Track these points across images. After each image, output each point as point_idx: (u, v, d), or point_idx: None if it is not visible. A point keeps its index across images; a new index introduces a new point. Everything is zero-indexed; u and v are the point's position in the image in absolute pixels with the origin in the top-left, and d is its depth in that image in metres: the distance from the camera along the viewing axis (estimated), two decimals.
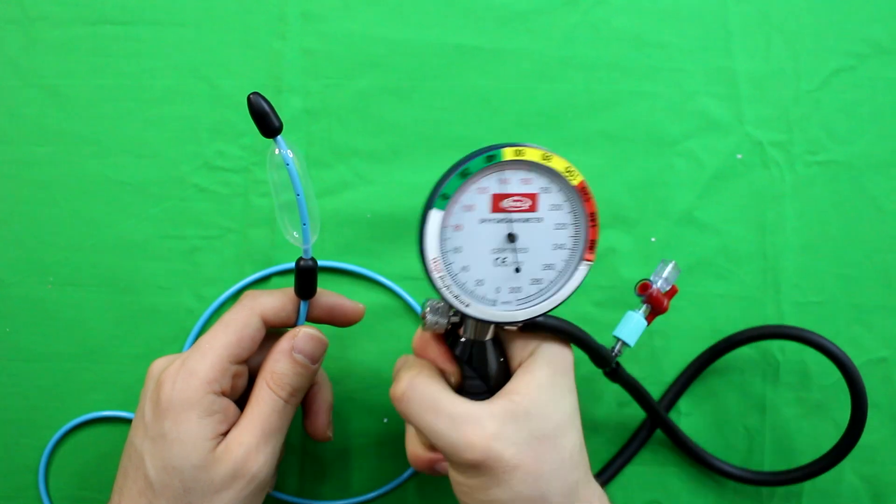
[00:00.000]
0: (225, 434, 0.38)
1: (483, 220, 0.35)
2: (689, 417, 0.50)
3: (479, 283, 0.36)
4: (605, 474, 0.48)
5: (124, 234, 0.49)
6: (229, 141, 0.50)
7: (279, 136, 0.35)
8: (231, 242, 0.49)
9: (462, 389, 0.38)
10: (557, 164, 0.35)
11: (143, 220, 0.50)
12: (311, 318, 0.42)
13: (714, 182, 0.50)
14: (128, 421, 0.49)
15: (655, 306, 0.42)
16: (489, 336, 0.38)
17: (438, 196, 0.34)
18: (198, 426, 0.36)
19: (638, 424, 0.50)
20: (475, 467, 0.34)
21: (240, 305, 0.40)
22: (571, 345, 0.39)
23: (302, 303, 0.41)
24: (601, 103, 0.50)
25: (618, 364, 0.43)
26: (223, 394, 0.38)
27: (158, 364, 0.40)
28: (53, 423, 0.49)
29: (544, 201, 0.35)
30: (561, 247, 0.36)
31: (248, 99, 0.35)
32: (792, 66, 0.51)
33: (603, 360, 0.41)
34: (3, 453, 0.49)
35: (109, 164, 0.50)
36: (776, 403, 0.49)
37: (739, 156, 0.50)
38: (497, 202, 0.35)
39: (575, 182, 0.35)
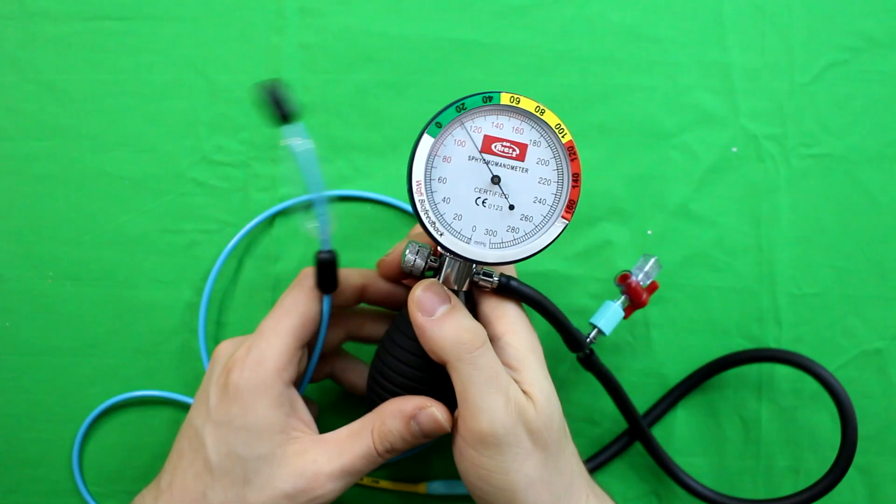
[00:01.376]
0: (293, 428, 0.37)
1: (471, 158, 0.36)
2: (683, 409, 0.50)
3: (458, 217, 0.37)
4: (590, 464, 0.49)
5: (123, 228, 0.50)
6: (228, 135, 0.50)
7: (292, 125, 0.35)
8: (230, 237, 0.49)
9: None
10: (550, 118, 0.37)
11: (142, 214, 0.50)
12: (369, 303, 0.42)
13: (709, 175, 0.50)
14: (157, 401, 0.49)
15: (634, 298, 0.42)
16: (464, 288, 0.39)
17: (433, 124, 0.36)
18: (266, 416, 0.36)
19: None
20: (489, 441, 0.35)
21: (299, 287, 0.39)
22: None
23: (325, 298, 0.39)
24: (597, 97, 0.51)
25: (591, 351, 0.44)
26: (291, 382, 0.37)
27: (225, 347, 0.39)
28: (53, 417, 0.49)
29: (532, 153, 0.37)
30: (542, 201, 0.37)
31: (265, 87, 0.35)
32: (786, 59, 0.51)
33: (575, 343, 0.42)
34: (3, 447, 0.49)
35: (108, 159, 0.50)
36: (772, 396, 0.50)
37: (734, 149, 0.51)
38: (488, 144, 0.36)
39: (564, 140, 0.37)
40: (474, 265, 0.39)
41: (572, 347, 0.43)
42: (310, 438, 0.37)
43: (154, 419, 0.49)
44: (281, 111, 0.35)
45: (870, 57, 0.51)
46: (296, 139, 0.35)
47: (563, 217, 0.37)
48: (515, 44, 0.51)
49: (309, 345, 0.40)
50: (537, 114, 0.36)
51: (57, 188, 0.50)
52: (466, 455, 0.36)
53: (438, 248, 0.38)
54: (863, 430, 0.48)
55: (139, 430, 0.49)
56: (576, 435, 0.41)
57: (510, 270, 0.41)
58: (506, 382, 0.36)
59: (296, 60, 0.50)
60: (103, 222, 0.50)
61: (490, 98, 0.36)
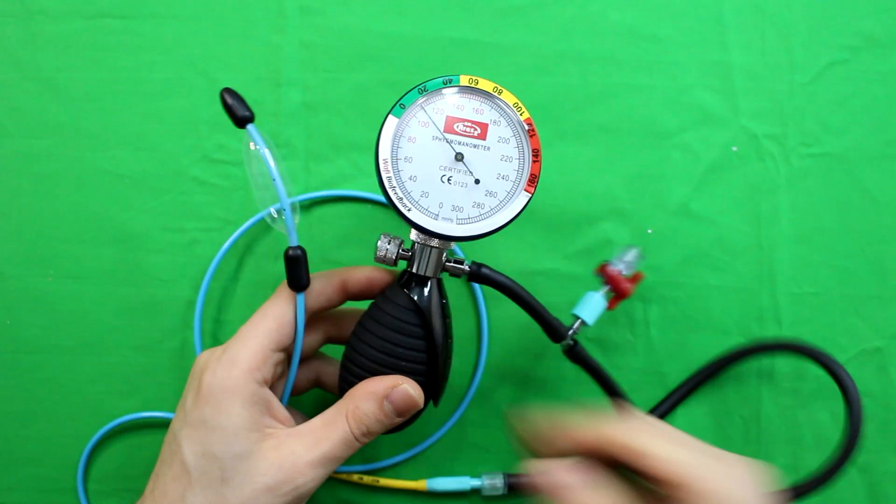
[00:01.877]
0: (267, 426, 0.37)
1: (435, 138, 0.38)
2: (683, 408, 0.50)
3: (424, 194, 0.38)
4: None
5: (124, 226, 0.50)
6: (229, 134, 0.50)
7: (251, 125, 0.37)
8: (230, 235, 0.50)
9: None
10: (508, 97, 0.39)
11: (143, 212, 0.50)
12: (352, 297, 0.42)
13: (709, 174, 0.51)
14: (158, 422, 0.50)
15: (615, 287, 0.43)
16: (437, 275, 0.40)
17: (397, 105, 0.38)
18: (240, 415, 0.36)
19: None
20: None
21: (277, 293, 0.40)
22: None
23: (298, 296, 0.39)
24: (597, 96, 0.51)
25: (576, 342, 0.44)
26: (265, 383, 0.38)
27: (202, 356, 0.39)
28: (53, 416, 0.49)
29: (493, 132, 0.39)
30: (504, 178, 0.39)
31: (220, 94, 0.37)
32: (786, 59, 0.51)
33: (555, 333, 0.43)
34: (3, 445, 0.49)
35: (109, 157, 0.50)
36: (772, 395, 0.50)
37: (735, 148, 0.51)
38: (450, 124, 0.38)
39: (523, 117, 0.39)
40: (444, 253, 0.40)
41: (553, 338, 0.43)
42: (285, 432, 0.37)
43: (155, 417, 0.49)
44: (233, 116, 0.37)
45: (870, 57, 0.51)
46: (251, 142, 0.37)
47: (525, 190, 0.38)
48: (516, 43, 0.51)
49: (288, 352, 0.41)
50: (495, 94, 0.38)
51: (57, 186, 0.50)
52: None
53: (409, 225, 0.39)
54: (863, 428, 0.49)
55: (141, 428, 0.49)
56: None
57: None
58: None
59: (296, 59, 0.50)
60: (104, 220, 0.50)
61: (450, 81, 0.38)
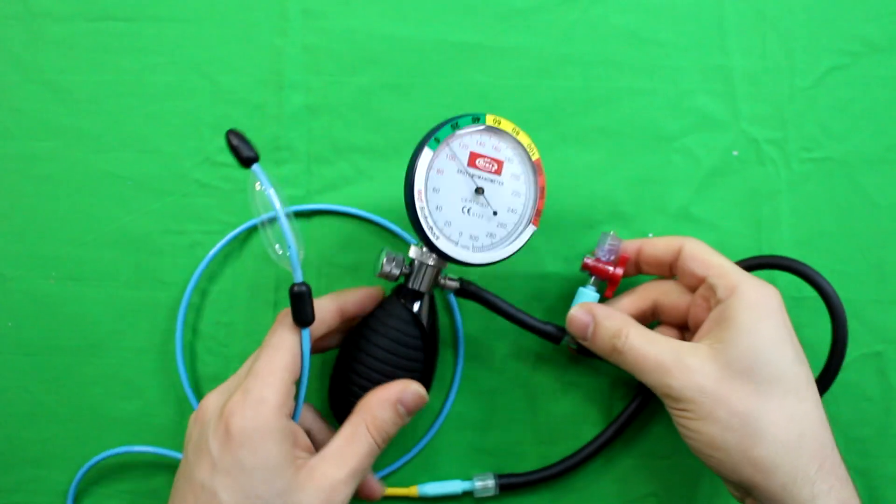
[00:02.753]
0: (297, 457, 0.38)
1: (459, 171, 0.41)
2: None
3: (448, 223, 0.41)
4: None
5: (126, 229, 0.50)
6: None
7: (256, 165, 0.37)
8: (232, 241, 0.50)
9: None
10: (524, 138, 0.42)
11: (145, 214, 0.50)
12: (347, 319, 0.44)
13: (710, 178, 0.51)
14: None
15: (603, 276, 0.44)
16: (431, 290, 0.44)
17: (432, 138, 0.40)
18: (277, 452, 0.36)
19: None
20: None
21: (281, 325, 0.40)
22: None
23: (303, 331, 0.40)
24: (599, 100, 0.51)
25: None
26: (290, 416, 0.39)
27: (212, 400, 0.39)
28: (54, 418, 0.49)
29: (507, 169, 0.42)
30: (513, 211, 0.42)
31: (226, 135, 0.37)
32: (787, 63, 0.51)
33: (551, 337, 0.45)
34: (4, 446, 0.49)
35: (111, 160, 0.50)
36: None
37: (735, 152, 0.51)
38: (473, 159, 0.41)
39: (534, 157, 0.42)
40: (441, 271, 0.43)
41: (552, 341, 0.46)
42: (314, 459, 0.38)
43: (156, 419, 0.49)
44: (238, 156, 0.37)
45: (870, 61, 0.51)
46: (257, 182, 0.37)
47: (532, 223, 0.42)
48: (518, 47, 0.51)
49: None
50: (513, 134, 0.42)
51: (60, 188, 0.50)
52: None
53: (432, 251, 0.41)
54: (862, 432, 0.49)
55: (142, 430, 0.49)
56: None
57: None
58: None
59: (299, 62, 0.50)
60: (106, 223, 0.50)
61: (478, 119, 0.41)
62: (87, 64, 0.50)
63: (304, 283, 0.39)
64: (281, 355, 0.39)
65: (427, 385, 0.44)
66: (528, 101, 0.51)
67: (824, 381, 0.45)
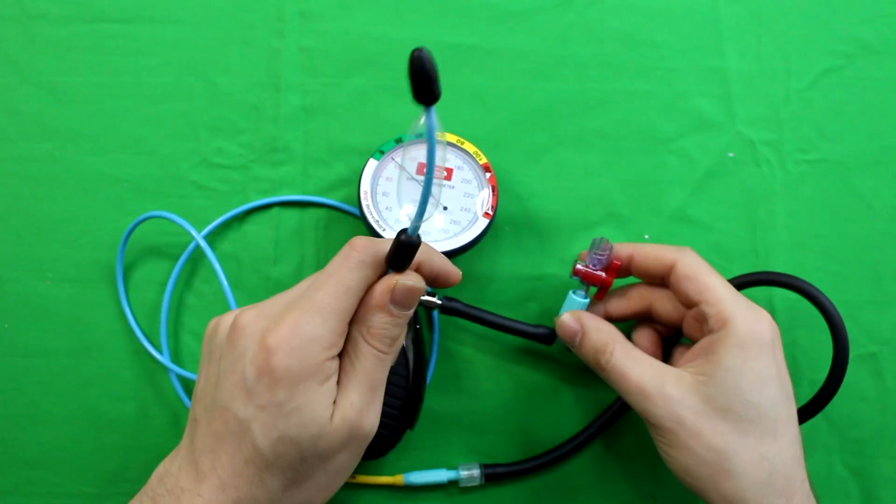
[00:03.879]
0: (332, 394, 0.35)
1: (409, 179, 0.47)
2: None
3: (398, 221, 0.46)
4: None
5: (123, 230, 0.49)
6: (228, 138, 0.50)
7: (429, 107, 0.32)
8: (229, 239, 0.50)
9: None
10: (469, 147, 0.47)
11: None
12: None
13: (706, 180, 0.51)
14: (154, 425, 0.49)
15: (594, 283, 0.44)
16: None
17: (377, 151, 0.47)
18: (317, 396, 0.34)
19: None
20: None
21: (356, 260, 0.36)
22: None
23: (389, 272, 0.37)
24: (595, 102, 0.51)
25: None
26: (336, 358, 0.36)
27: (249, 320, 0.35)
28: (51, 420, 0.49)
29: (457, 175, 0.48)
30: (466, 210, 0.47)
31: (414, 56, 0.29)
32: (782, 66, 0.51)
33: (542, 338, 0.46)
34: (1, 448, 0.49)
35: (108, 161, 0.50)
36: None
37: (731, 154, 0.51)
38: (421, 168, 0.47)
39: (481, 162, 0.47)
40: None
41: (545, 343, 0.46)
42: (339, 391, 0.36)
43: (154, 420, 0.49)
44: (424, 87, 0.30)
45: (865, 63, 0.51)
46: (427, 119, 0.32)
47: (484, 216, 0.47)
48: (514, 49, 0.51)
49: None
50: (459, 144, 0.47)
51: (56, 190, 0.50)
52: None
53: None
54: (858, 433, 0.49)
55: (138, 432, 0.49)
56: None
57: None
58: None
59: (295, 64, 0.50)
60: (103, 224, 0.50)
61: (421, 134, 0.45)
62: (83, 66, 0.50)
63: (418, 237, 0.35)
64: (346, 294, 0.35)
65: (411, 411, 0.45)
66: (524, 103, 0.51)
67: (823, 397, 0.44)
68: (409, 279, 0.36)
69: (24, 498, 0.49)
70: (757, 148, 0.51)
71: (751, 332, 0.39)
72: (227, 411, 0.35)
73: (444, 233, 0.47)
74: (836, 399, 0.47)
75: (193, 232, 0.47)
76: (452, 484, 0.48)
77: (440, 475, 0.47)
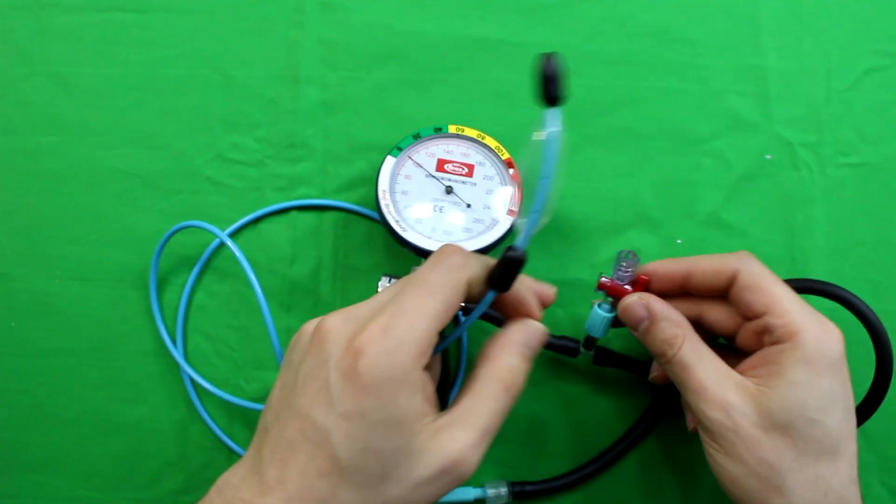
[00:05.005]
0: (424, 414, 0.33)
1: (428, 176, 0.45)
2: None
3: (418, 221, 0.45)
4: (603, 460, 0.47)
5: (133, 227, 0.49)
6: (244, 133, 0.49)
7: (556, 108, 0.32)
8: (245, 238, 0.48)
9: None
10: (490, 142, 0.46)
11: (153, 213, 0.49)
12: (497, 307, 0.38)
13: (742, 183, 0.49)
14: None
15: (619, 297, 0.42)
16: None
17: (394, 147, 0.45)
18: (405, 406, 0.32)
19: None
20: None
21: (448, 267, 0.34)
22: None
23: (490, 293, 0.36)
24: (626, 100, 0.50)
25: (599, 348, 0.45)
26: (426, 368, 0.33)
27: (336, 324, 0.33)
28: (57, 422, 0.48)
29: (479, 171, 0.46)
30: (489, 207, 0.45)
31: (544, 58, 0.31)
32: (823, 64, 0.50)
33: (566, 350, 0.45)
34: (5, 450, 0.48)
35: (119, 156, 0.49)
36: None
37: (768, 156, 0.49)
38: (441, 165, 0.46)
39: (504, 157, 0.46)
40: None
41: (569, 355, 0.45)
42: (442, 419, 0.34)
43: (163, 425, 0.48)
44: (550, 90, 0.32)
45: None
46: (551, 125, 0.32)
47: (508, 215, 0.45)
48: (542, 43, 0.50)
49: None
50: (479, 139, 0.46)
51: (66, 185, 0.49)
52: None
53: (405, 247, 0.44)
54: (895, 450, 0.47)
55: (146, 436, 0.48)
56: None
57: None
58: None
59: (315, 56, 0.49)
60: (113, 221, 0.49)
61: (440, 129, 0.46)
62: (95, 56, 0.49)
63: (523, 253, 0.34)
64: (437, 300, 0.33)
65: (443, 396, 0.43)
66: None
67: (865, 412, 0.43)
68: (541, 325, 0.37)
69: (28, 501, 0.48)
70: (795, 150, 0.49)
71: (819, 347, 0.37)
72: (304, 418, 0.32)
73: (466, 233, 0.45)
74: (876, 415, 0.45)
75: (229, 243, 0.45)
76: (479, 502, 0.47)
77: (467, 493, 0.46)
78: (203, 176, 0.49)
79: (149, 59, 0.49)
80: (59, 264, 0.48)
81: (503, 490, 0.46)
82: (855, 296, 0.42)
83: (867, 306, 0.42)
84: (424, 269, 0.34)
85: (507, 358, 0.35)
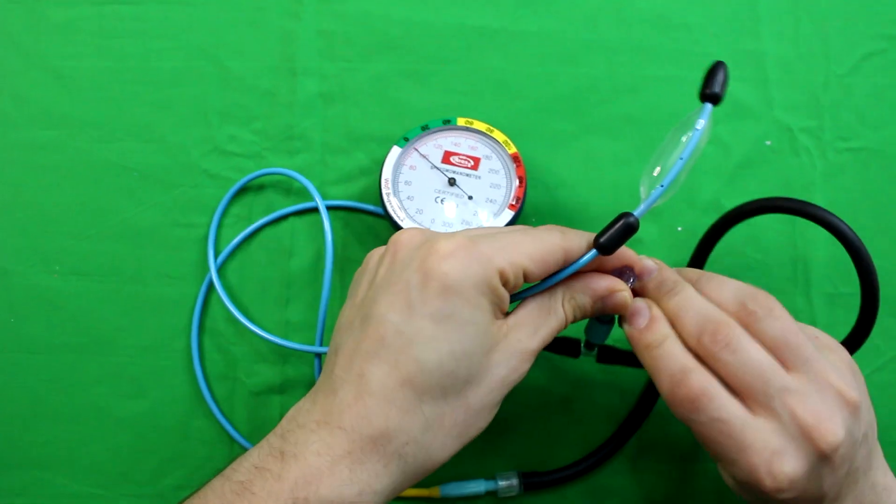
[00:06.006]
0: (499, 318, 0.33)
1: (433, 168, 0.46)
2: None
3: (419, 211, 0.45)
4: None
5: (132, 221, 0.48)
6: (241, 125, 0.49)
7: (711, 106, 0.36)
8: (242, 230, 0.48)
9: None
10: (498, 136, 0.46)
11: (152, 207, 0.48)
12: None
13: (742, 169, 0.49)
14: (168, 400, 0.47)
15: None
16: None
17: (401, 138, 0.46)
18: (490, 311, 0.32)
19: None
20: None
21: (549, 229, 0.34)
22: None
23: (592, 251, 0.35)
24: (625, 87, 0.50)
25: (602, 348, 0.44)
26: (507, 287, 0.33)
27: (413, 236, 0.33)
28: (58, 418, 0.48)
29: (485, 165, 0.46)
30: (492, 201, 0.45)
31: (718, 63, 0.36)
32: (822, 49, 0.50)
33: (570, 350, 0.44)
34: (6, 446, 0.48)
35: (116, 149, 0.49)
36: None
37: (768, 142, 0.49)
38: (447, 157, 0.46)
39: (511, 151, 0.46)
40: None
41: (570, 355, 0.44)
42: (509, 321, 0.34)
43: (163, 420, 0.48)
44: (713, 87, 0.36)
45: None
46: (703, 117, 0.36)
47: (508, 209, 0.45)
48: (540, 32, 0.50)
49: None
50: (488, 133, 0.46)
51: (63, 179, 0.49)
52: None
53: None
54: None
55: (147, 431, 0.47)
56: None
57: None
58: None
59: (313, 47, 0.49)
60: (111, 215, 0.49)
61: (448, 121, 0.46)
62: (90, 49, 0.49)
63: (637, 221, 0.35)
64: (532, 244, 0.33)
65: None
66: (551, 88, 0.50)
67: (857, 339, 0.41)
68: (629, 296, 0.36)
69: (30, 499, 0.48)
70: (795, 135, 0.49)
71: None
72: (384, 324, 0.31)
73: (464, 224, 0.45)
74: (876, 399, 0.45)
75: (315, 194, 0.46)
76: (490, 495, 0.47)
77: (478, 486, 0.46)
78: (200, 169, 0.49)
79: (144, 51, 0.49)
80: (58, 259, 0.48)
81: (514, 481, 0.46)
82: (820, 207, 0.40)
83: (845, 224, 0.40)
84: (540, 229, 0.34)
85: (583, 297, 0.35)
